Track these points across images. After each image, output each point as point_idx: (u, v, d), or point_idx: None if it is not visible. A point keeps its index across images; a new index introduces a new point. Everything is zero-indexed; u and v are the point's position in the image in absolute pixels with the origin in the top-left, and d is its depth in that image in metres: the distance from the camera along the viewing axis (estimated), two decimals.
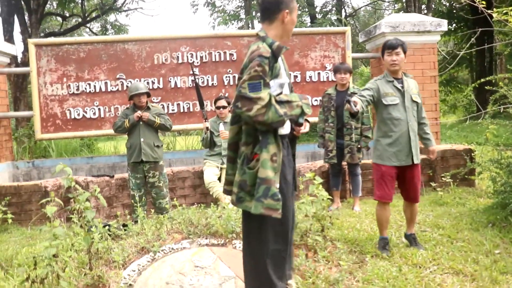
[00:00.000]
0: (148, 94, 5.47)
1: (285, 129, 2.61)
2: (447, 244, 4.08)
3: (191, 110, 6.97)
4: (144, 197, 5.37)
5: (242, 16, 15.37)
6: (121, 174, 5.91)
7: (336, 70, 5.72)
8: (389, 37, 7.03)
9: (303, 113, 2.50)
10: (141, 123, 5.34)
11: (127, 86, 6.80)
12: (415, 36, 7.10)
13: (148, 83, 6.83)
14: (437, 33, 7.27)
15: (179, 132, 10.09)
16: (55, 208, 2.72)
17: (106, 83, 6.79)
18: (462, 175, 5.97)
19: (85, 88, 6.75)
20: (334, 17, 13.82)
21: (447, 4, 17.36)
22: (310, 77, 7.27)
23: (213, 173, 5.77)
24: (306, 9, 12.22)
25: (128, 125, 5.32)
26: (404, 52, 3.90)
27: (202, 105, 5.83)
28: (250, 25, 13.64)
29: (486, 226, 4.56)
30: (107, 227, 3.56)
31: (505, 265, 3.54)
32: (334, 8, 15.09)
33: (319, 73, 7.28)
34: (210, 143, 5.88)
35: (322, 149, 5.90)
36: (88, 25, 16.77)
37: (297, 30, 7.55)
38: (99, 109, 6.79)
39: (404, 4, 14.93)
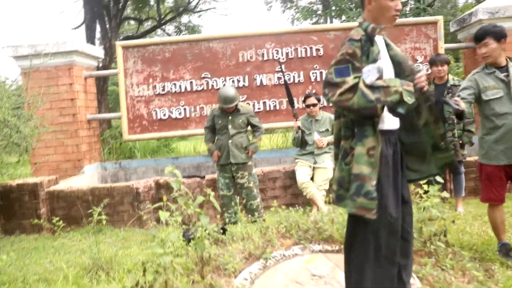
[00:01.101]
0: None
1: (390, 124, 2.34)
2: None
3: (277, 108, 6.75)
4: (234, 198, 5.21)
5: (320, 12, 15.08)
6: (211, 175, 5.76)
7: (431, 63, 5.27)
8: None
9: (402, 102, 2.15)
10: (229, 126, 5.18)
11: (212, 85, 6.71)
12: None
13: (233, 81, 6.69)
14: None
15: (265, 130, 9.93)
16: (168, 213, 2.55)
17: (191, 82, 6.72)
18: None
19: (171, 88, 6.72)
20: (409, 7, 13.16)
21: None
22: None
23: (305, 173, 5.49)
24: None
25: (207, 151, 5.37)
26: (498, 39, 3.39)
27: (292, 103, 5.57)
28: (328, 20, 13.29)
29: None
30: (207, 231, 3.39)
31: None
32: None
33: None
34: (301, 142, 5.61)
35: None
36: (163, 27, 17.13)
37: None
38: (184, 109, 6.74)
39: None
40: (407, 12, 12.07)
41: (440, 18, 6.79)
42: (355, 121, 2.25)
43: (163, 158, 7.55)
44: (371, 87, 2.14)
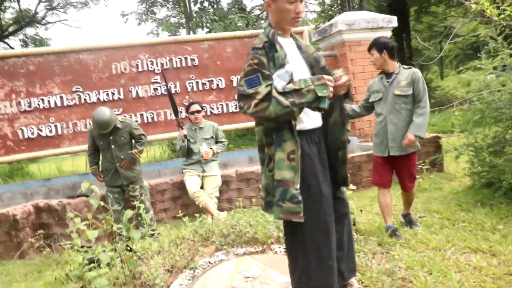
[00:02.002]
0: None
1: (309, 123, 2.35)
2: (450, 226, 4.20)
3: (155, 119, 6.63)
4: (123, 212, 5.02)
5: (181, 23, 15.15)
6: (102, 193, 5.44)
7: None
8: (346, 35, 7.22)
9: (320, 98, 2.16)
10: (112, 146, 4.99)
11: (85, 99, 6.35)
12: (369, 32, 7.32)
13: (107, 94, 6.42)
14: (389, 29, 7.55)
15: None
16: (96, 232, 2.38)
17: (61, 97, 6.26)
18: (431, 161, 6.26)
19: (38, 104, 6.18)
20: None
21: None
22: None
23: (195, 182, 5.51)
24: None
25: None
26: (380, 50, 3.96)
27: (176, 112, 5.55)
28: (192, 32, 13.41)
29: (475, 206, 4.75)
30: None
31: None
32: (265, 12, 15.25)
33: None
34: (187, 152, 5.61)
35: None
36: (5, 40, 15.50)
37: (255, 32, 7.48)
38: (55, 126, 6.25)
39: (339, 4, 15.46)
40: None
41: (305, 29, 7.35)
42: (272, 127, 2.27)
43: (32, 181, 6.88)
44: (284, 93, 2.15)
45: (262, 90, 2.13)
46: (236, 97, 2.30)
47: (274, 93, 2.14)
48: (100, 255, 2.43)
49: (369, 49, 4.04)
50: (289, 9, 2.27)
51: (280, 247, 3.40)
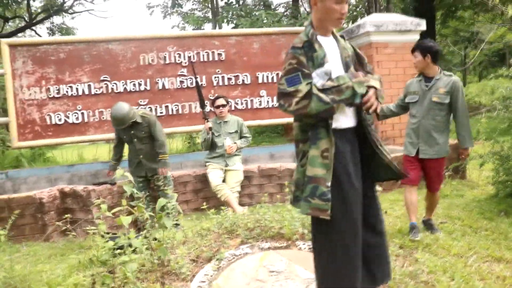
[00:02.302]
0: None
1: (345, 122, 2.37)
2: (472, 234, 4.17)
3: (180, 112, 6.71)
4: (147, 200, 5.13)
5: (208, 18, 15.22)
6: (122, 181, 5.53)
7: None
8: (373, 36, 7.19)
9: (355, 94, 2.23)
10: (134, 140, 5.09)
11: (112, 89, 6.45)
12: (397, 35, 7.28)
13: (134, 84, 6.51)
14: (417, 32, 7.49)
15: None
16: (130, 218, 2.43)
17: (89, 85, 6.38)
18: (453, 168, 6.21)
19: (67, 91, 6.31)
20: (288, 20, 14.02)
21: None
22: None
23: (218, 175, 5.56)
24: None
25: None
26: (424, 53, 3.96)
27: (203, 104, 5.61)
28: (218, 27, 13.50)
29: (498, 215, 4.71)
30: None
31: None
32: (289, 10, 15.28)
33: None
34: (211, 145, 5.67)
35: None
36: (33, 27, 15.75)
37: (283, 29, 7.51)
38: (82, 113, 6.37)
39: (366, 5, 15.39)
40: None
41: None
42: (308, 124, 2.31)
43: (57, 166, 7.01)
44: (324, 90, 2.21)
45: (303, 88, 2.19)
46: (277, 96, 2.30)
47: (315, 90, 2.19)
48: (133, 241, 2.48)
49: (413, 51, 4.04)
50: (335, 9, 2.30)
51: (304, 244, 3.43)
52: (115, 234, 3.56)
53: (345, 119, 2.37)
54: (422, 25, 7.44)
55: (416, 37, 7.48)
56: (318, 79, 2.25)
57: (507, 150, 5.27)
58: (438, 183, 4.20)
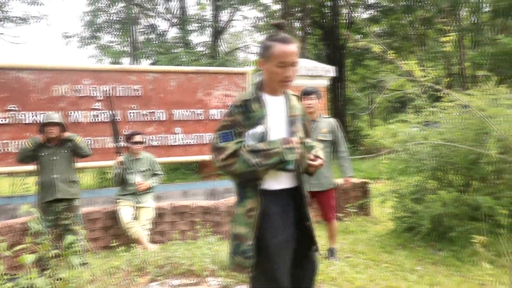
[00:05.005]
0: (61, 126, 5.01)
1: (276, 184, 2.33)
2: (374, 267, 4.49)
3: (93, 147, 6.51)
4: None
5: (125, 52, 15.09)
6: (24, 218, 5.22)
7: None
8: None
9: (285, 161, 2.20)
10: (54, 158, 4.89)
11: (20, 119, 6.16)
12: (309, 79, 7.77)
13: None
14: (327, 77, 8.03)
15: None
16: (34, 256, 2.35)
17: None
18: (359, 205, 6.65)
19: None
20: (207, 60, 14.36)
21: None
22: (213, 115, 7.39)
23: (129, 213, 5.47)
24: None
25: (30, 144, 4.88)
26: (319, 98, 4.57)
27: (117, 139, 5.55)
28: (137, 62, 13.42)
29: (397, 248, 5.10)
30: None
31: (430, 279, 4.09)
32: (208, 50, 15.61)
33: (221, 111, 7.44)
34: (122, 180, 5.58)
35: None
36: None
37: (201, 69, 7.70)
38: None
39: None
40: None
41: (249, 70, 7.67)
42: (237, 182, 2.33)
43: None
44: (252, 152, 2.19)
45: (232, 146, 2.22)
46: (210, 149, 2.35)
47: (243, 150, 2.20)
48: (36, 281, 2.39)
49: (309, 94, 4.48)
50: (278, 72, 2.27)
51: (214, 280, 3.47)
52: (15, 275, 3.37)
53: (276, 181, 2.33)
54: (332, 71, 7.99)
55: (326, 82, 8.03)
56: (249, 139, 2.24)
57: (404, 188, 5.74)
58: (331, 213, 4.67)
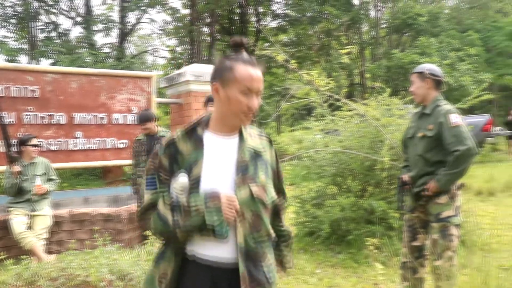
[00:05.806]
0: None
1: (215, 251, 1.71)
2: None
3: None
4: None
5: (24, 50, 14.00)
6: None
7: (139, 122, 5.60)
8: (193, 85, 7.61)
9: (211, 224, 1.63)
10: None
11: None
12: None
13: None
14: None
15: None
16: None
17: None
18: None
19: None
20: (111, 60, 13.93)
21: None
22: (117, 119, 7.19)
23: (22, 222, 5.10)
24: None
25: None
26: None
27: (9, 145, 5.18)
28: (35, 61, 12.54)
29: (298, 252, 5.28)
30: None
31: (329, 281, 4.31)
32: (115, 51, 15.12)
33: (125, 116, 7.26)
34: (19, 190, 5.22)
35: (135, 194, 5.82)
36: None
37: (104, 71, 7.46)
38: None
39: (190, 55, 16.03)
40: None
41: (154, 74, 7.55)
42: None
43: None
44: (173, 207, 1.70)
45: (150, 197, 1.77)
46: None
47: (160, 204, 1.73)
48: None
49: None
50: (241, 101, 1.72)
51: None
52: None
53: (206, 247, 1.73)
54: None
55: None
56: (171, 190, 1.73)
57: (306, 194, 5.97)
58: None
